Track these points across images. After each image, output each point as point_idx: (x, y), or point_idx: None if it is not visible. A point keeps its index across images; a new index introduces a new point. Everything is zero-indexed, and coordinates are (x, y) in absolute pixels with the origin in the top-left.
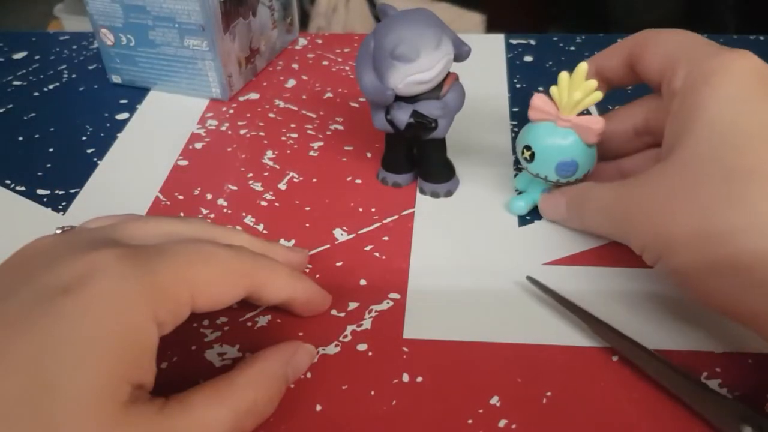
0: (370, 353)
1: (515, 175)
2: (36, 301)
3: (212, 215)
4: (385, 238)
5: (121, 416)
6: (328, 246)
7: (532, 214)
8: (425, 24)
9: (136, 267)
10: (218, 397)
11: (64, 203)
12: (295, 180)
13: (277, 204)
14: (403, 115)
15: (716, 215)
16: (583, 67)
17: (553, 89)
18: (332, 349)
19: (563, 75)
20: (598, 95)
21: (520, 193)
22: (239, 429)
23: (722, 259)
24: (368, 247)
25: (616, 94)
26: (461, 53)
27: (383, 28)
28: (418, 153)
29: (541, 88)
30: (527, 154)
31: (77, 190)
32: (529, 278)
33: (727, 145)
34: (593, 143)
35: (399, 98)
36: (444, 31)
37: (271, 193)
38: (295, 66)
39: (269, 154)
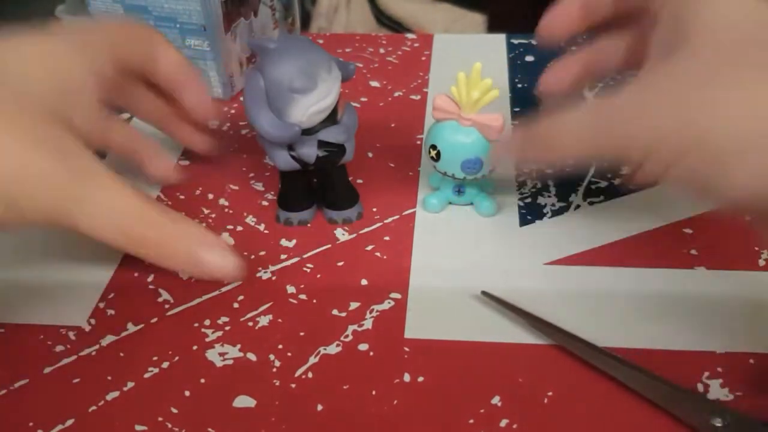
0: (371, 353)
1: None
2: None
3: (213, 215)
4: (387, 238)
5: (51, 126)
6: (330, 246)
7: (534, 214)
8: (311, 50)
9: (61, 30)
10: (124, 187)
11: None
12: None
13: None
14: (310, 149)
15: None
16: (478, 66)
17: (453, 89)
18: (333, 349)
19: (461, 75)
20: (495, 93)
21: (434, 190)
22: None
23: None
24: (369, 247)
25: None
26: (348, 72)
27: (270, 63)
28: (320, 184)
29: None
30: (433, 153)
31: None
32: (484, 293)
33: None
34: (495, 140)
35: None
36: (328, 54)
37: (272, 193)
38: None
39: None
